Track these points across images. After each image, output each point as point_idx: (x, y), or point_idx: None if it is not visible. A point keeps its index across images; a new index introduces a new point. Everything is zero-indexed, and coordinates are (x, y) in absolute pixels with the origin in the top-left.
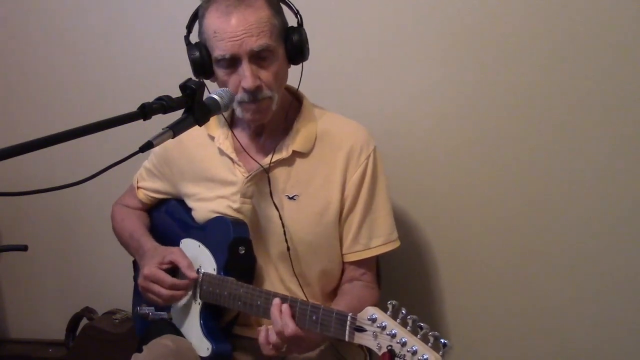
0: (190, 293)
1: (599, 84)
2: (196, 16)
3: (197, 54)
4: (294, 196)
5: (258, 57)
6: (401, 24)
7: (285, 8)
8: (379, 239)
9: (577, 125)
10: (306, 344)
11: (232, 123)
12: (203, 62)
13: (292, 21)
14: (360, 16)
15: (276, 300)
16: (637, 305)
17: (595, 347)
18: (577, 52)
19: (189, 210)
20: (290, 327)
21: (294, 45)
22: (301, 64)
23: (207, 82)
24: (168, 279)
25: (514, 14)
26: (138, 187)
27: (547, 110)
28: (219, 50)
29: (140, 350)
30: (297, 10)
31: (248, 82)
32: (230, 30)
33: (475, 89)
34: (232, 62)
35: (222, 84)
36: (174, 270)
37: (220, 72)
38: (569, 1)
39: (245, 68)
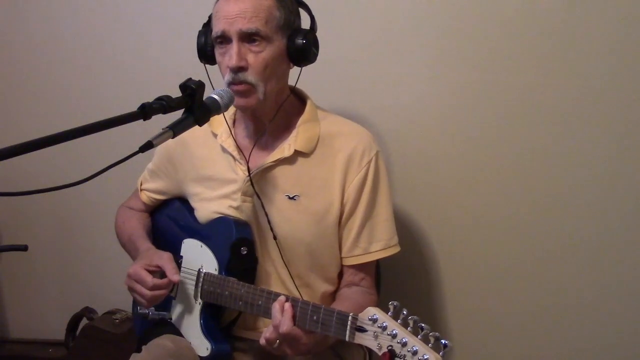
0: (191, 294)
1: (601, 83)
2: None
3: (203, 38)
4: (294, 196)
5: (249, 40)
6: (405, 23)
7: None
8: (379, 244)
9: (579, 125)
10: (302, 347)
11: (235, 121)
12: (205, 45)
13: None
14: (364, 16)
15: (282, 297)
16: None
17: (597, 347)
18: (579, 51)
19: (191, 210)
20: (285, 325)
21: (296, 46)
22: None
23: (209, 81)
24: (149, 279)
25: (517, 14)
26: (141, 190)
27: (552, 110)
28: (215, 28)
29: (139, 351)
30: (312, 15)
31: (232, 60)
32: (227, 9)
33: (479, 89)
34: (225, 42)
35: (219, 67)
36: (163, 274)
37: (216, 52)
38: (570, 1)
39: (233, 46)
